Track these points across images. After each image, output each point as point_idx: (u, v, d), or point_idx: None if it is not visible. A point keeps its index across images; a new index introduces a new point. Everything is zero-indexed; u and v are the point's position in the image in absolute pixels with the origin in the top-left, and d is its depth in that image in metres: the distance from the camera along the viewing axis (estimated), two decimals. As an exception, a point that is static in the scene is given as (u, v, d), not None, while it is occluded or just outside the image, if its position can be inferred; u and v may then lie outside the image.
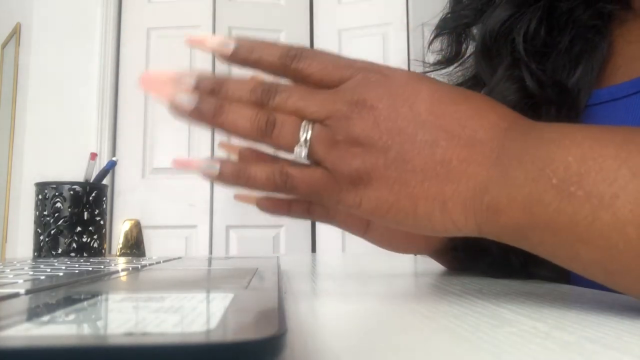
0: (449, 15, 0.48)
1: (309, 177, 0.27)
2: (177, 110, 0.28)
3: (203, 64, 2.19)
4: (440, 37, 0.48)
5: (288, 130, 0.27)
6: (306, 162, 0.27)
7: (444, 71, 0.49)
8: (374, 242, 0.41)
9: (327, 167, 0.27)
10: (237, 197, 0.37)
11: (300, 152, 0.27)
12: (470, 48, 0.47)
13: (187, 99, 0.27)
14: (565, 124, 0.26)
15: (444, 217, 0.26)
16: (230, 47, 0.29)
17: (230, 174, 0.28)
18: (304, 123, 0.27)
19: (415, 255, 0.45)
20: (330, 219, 0.37)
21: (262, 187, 0.28)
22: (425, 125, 0.26)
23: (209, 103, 0.28)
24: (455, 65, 0.48)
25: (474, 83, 0.46)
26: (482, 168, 0.25)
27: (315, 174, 0.27)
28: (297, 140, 0.27)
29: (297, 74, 0.28)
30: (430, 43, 0.49)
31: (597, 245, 0.22)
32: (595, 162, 0.22)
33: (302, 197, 0.29)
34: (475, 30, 0.47)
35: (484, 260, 0.41)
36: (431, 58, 0.49)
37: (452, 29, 0.47)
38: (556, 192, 0.23)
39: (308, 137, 0.27)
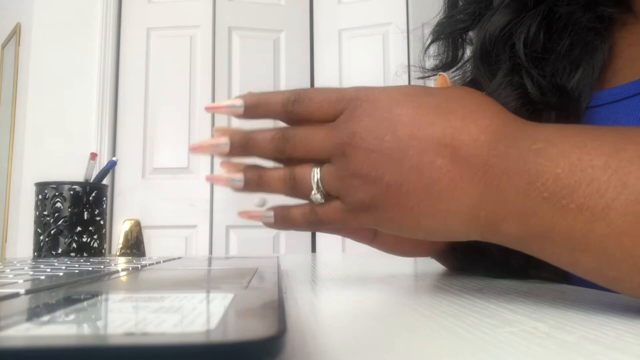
0: (445, 20, 0.48)
1: (329, 211, 0.31)
2: (234, 188, 0.34)
3: (203, 64, 2.19)
4: (437, 42, 0.48)
5: (304, 179, 0.31)
6: (322, 201, 0.32)
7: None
8: (381, 249, 0.41)
9: (341, 200, 0.31)
10: (241, 215, 0.39)
11: (316, 198, 0.31)
12: (468, 52, 0.47)
13: (238, 180, 0.33)
14: (553, 127, 0.26)
15: (447, 229, 0.28)
16: (240, 107, 0.32)
17: (279, 218, 0.34)
18: (312, 170, 0.31)
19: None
20: (337, 231, 0.38)
21: (300, 226, 0.33)
22: (409, 151, 0.27)
23: (251, 177, 0.33)
24: (453, 70, 0.48)
25: (471, 87, 0.46)
26: (471, 184, 0.26)
27: (333, 207, 0.31)
28: (312, 188, 0.31)
29: (301, 117, 0.31)
30: (427, 48, 0.49)
31: (594, 254, 0.22)
32: (585, 173, 0.23)
33: (331, 227, 0.34)
34: (471, 34, 0.46)
35: (484, 263, 0.41)
36: (429, 62, 0.49)
37: (448, 34, 0.47)
38: (548, 205, 0.23)
39: (319, 179, 0.31)
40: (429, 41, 0.48)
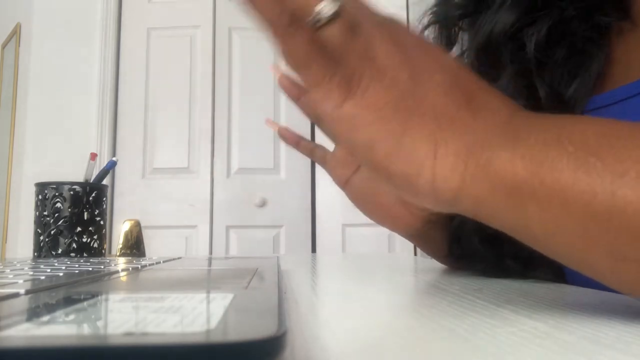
0: (443, 3, 0.47)
1: (312, 40, 0.24)
2: None
3: (203, 64, 2.19)
4: (432, 26, 0.47)
5: None
6: (330, 14, 0.24)
7: None
8: (350, 197, 0.41)
9: (336, 52, 0.24)
10: (268, 121, 0.43)
11: (326, 11, 0.24)
12: (461, 39, 0.47)
13: None
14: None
15: (426, 159, 0.23)
16: None
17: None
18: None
19: (391, 231, 0.44)
20: (323, 163, 0.41)
21: (265, 7, 0.24)
22: (448, 73, 0.24)
23: None
24: None
25: None
26: (488, 124, 0.23)
27: (319, 44, 0.24)
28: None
29: None
30: (422, 31, 0.48)
31: (612, 225, 0.20)
32: (618, 139, 0.21)
33: (293, 54, 0.25)
34: (466, 21, 0.46)
35: (480, 265, 0.41)
36: None
37: (444, 19, 0.46)
38: (572, 159, 0.21)
39: (338, 7, 0.24)
40: (426, 23, 0.48)
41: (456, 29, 0.47)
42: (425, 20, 0.48)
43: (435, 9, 0.47)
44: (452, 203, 0.24)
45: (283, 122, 2.20)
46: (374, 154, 0.24)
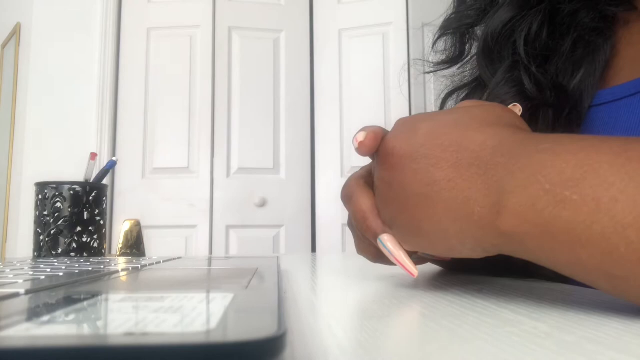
0: (453, 15, 0.48)
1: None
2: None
3: (203, 64, 2.19)
4: (444, 37, 0.48)
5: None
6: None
7: (447, 72, 0.49)
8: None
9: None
10: None
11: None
12: (474, 49, 0.48)
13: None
14: (562, 135, 0.26)
15: (443, 232, 0.28)
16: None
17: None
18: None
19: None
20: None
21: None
22: (417, 155, 0.29)
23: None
24: (459, 65, 0.48)
25: (477, 85, 0.46)
26: (469, 182, 0.26)
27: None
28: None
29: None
30: (435, 43, 0.49)
31: (597, 249, 0.22)
32: (591, 167, 0.22)
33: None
34: (478, 31, 0.47)
35: (480, 261, 0.41)
36: (434, 59, 0.50)
37: (455, 29, 0.48)
38: (550, 197, 0.23)
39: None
40: (436, 36, 0.49)
41: (467, 37, 0.48)
42: (437, 33, 0.49)
43: (445, 22, 0.48)
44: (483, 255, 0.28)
45: (282, 122, 2.20)
46: (413, 242, 0.31)
